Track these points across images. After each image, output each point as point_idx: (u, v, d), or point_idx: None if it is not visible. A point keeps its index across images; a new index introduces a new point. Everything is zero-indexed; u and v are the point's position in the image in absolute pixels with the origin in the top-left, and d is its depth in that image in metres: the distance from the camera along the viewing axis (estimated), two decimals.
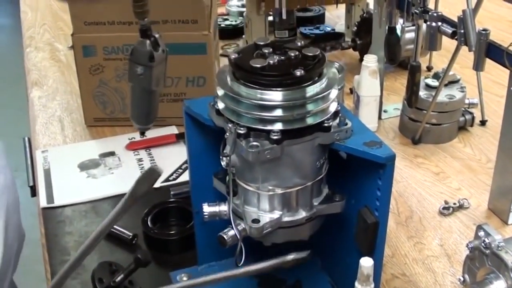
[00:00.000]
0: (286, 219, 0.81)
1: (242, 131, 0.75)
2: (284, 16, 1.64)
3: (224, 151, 0.79)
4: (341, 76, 1.44)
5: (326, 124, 0.77)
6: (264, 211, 0.81)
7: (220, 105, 0.79)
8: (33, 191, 1.29)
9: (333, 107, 0.78)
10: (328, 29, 1.88)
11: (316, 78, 0.76)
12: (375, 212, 0.80)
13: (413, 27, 1.49)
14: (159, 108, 1.38)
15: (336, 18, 1.97)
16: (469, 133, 1.38)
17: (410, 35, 1.53)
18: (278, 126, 0.75)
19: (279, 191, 0.79)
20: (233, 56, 0.77)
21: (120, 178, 1.25)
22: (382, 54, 1.35)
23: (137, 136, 1.37)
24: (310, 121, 0.76)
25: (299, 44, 0.80)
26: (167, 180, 1.23)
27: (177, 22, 1.31)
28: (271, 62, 0.75)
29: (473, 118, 1.37)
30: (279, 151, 0.75)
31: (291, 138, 0.75)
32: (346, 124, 0.78)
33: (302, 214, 0.82)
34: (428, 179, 1.23)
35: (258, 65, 0.73)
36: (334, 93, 0.78)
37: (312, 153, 0.78)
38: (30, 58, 1.81)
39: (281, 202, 0.80)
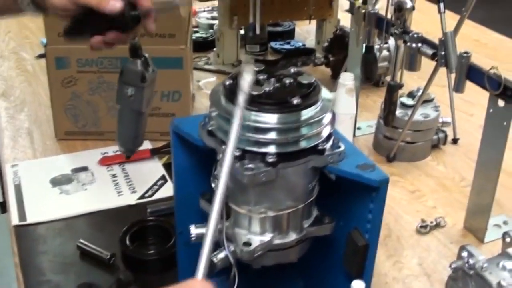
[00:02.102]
0: (276, 241, 0.81)
1: (237, 153, 0.74)
2: (257, 31, 1.65)
3: (215, 173, 0.78)
4: None
5: (320, 147, 0.76)
6: (255, 234, 0.80)
7: (214, 126, 0.78)
8: (3, 208, 1.26)
9: (326, 130, 0.78)
10: (299, 44, 1.88)
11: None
12: (365, 235, 0.80)
13: (386, 45, 1.51)
14: None
15: (305, 33, 1.98)
16: (442, 151, 1.39)
17: (383, 53, 1.55)
18: (273, 149, 0.74)
19: (271, 213, 0.79)
20: (228, 82, 0.76)
21: (94, 195, 1.22)
22: (358, 72, 1.36)
23: (110, 151, 1.35)
24: (304, 144, 0.75)
25: (292, 71, 0.79)
26: (142, 197, 1.22)
27: (154, 35, 1.29)
28: (268, 89, 0.74)
29: (445, 136, 1.39)
30: (274, 174, 0.74)
31: (286, 161, 0.75)
32: (339, 147, 0.78)
33: (293, 236, 0.81)
34: (404, 198, 1.24)
35: (256, 93, 0.72)
36: (328, 117, 0.78)
37: (305, 175, 0.78)
38: None
39: (272, 225, 0.80)
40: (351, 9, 1.32)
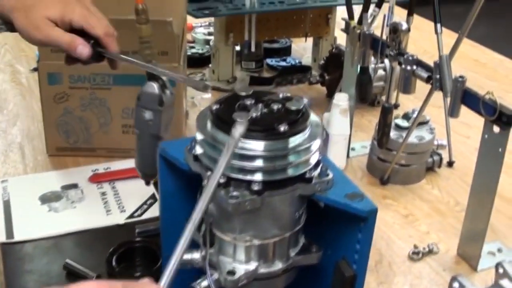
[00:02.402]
0: (262, 270, 0.79)
1: (222, 180, 0.72)
2: (253, 49, 1.64)
3: None
4: None
5: (307, 175, 0.75)
6: (240, 262, 0.78)
7: (199, 151, 0.76)
8: None
9: (315, 157, 0.77)
10: (295, 61, 1.87)
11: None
12: (353, 265, 0.78)
13: (382, 65, 1.50)
14: (124, 140, 1.36)
15: (302, 50, 1.97)
16: (437, 174, 1.38)
17: (379, 72, 1.54)
18: (259, 176, 0.72)
19: (256, 242, 0.77)
20: (214, 107, 0.74)
21: (83, 213, 1.21)
22: (352, 92, 1.34)
23: (100, 168, 1.34)
24: (292, 172, 0.74)
25: (281, 96, 0.78)
26: (131, 216, 1.20)
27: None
28: (254, 115, 0.73)
29: (441, 159, 1.38)
30: (260, 202, 0.73)
31: (272, 189, 0.73)
32: (328, 175, 0.77)
33: (279, 265, 0.80)
34: (397, 222, 1.22)
35: (242, 120, 0.71)
36: (316, 143, 0.76)
37: (292, 204, 0.76)
38: None
39: (257, 253, 0.78)
40: (346, 29, 1.31)
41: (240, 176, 0.72)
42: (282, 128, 0.72)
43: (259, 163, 0.72)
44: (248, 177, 0.72)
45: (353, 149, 1.44)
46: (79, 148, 1.38)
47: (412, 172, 1.33)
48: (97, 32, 0.97)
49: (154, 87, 0.96)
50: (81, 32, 0.97)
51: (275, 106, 0.75)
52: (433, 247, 1.14)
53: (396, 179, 1.33)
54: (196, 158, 0.77)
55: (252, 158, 0.72)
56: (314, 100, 1.67)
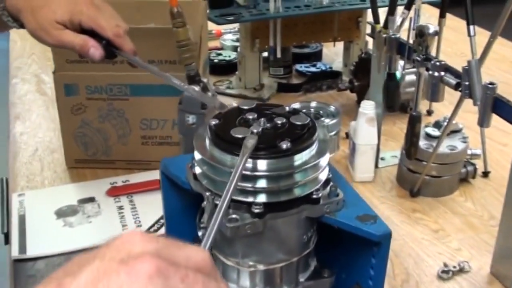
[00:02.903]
0: None
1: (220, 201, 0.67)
2: (278, 55, 1.59)
3: (202, 221, 0.71)
4: (337, 121, 1.38)
5: (315, 196, 0.69)
6: None
7: (197, 170, 0.71)
8: (6, 239, 1.21)
9: (323, 175, 0.71)
10: (325, 67, 1.81)
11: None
12: None
13: (414, 69, 1.43)
14: (143, 152, 1.32)
15: (334, 55, 1.91)
16: (471, 185, 1.30)
17: (410, 77, 1.47)
18: (262, 198, 0.67)
19: (261, 267, 0.72)
20: (213, 123, 0.69)
21: (98, 228, 1.17)
22: (380, 99, 1.27)
23: (119, 181, 1.30)
24: (297, 192, 0.68)
25: (287, 109, 0.72)
26: (148, 231, 1.15)
27: (163, 62, 1.24)
28: (255, 131, 0.67)
29: (475, 169, 1.30)
30: (261, 226, 0.67)
31: (275, 211, 0.68)
32: (338, 194, 0.71)
33: None
34: (426, 237, 1.15)
35: (240, 136, 0.65)
36: (325, 160, 0.70)
37: (299, 227, 0.71)
38: (16, 90, 1.74)
39: (263, 279, 0.73)
40: (372, 33, 1.25)
41: (240, 198, 0.67)
42: (284, 145, 0.66)
43: (260, 183, 0.67)
44: (249, 199, 0.67)
45: (382, 159, 1.38)
46: (98, 160, 1.35)
47: (444, 183, 1.26)
48: (107, 34, 0.95)
49: (195, 90, 0.94)
50: (93, 32, 0.96)
51: (279, 121, 0.70)
52: (464, 265, 1.07)
53: (426, 191, 1.26)
54: (196, 177, 0.72)
55: (253, 178, 0.66)
56: (344, 107, 1.61)
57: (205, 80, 0.95)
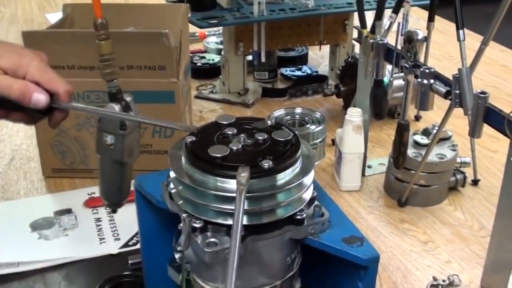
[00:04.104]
0: None
1: (198, 224, 0.63)
2: (263, 59, 1.55)
3: (178, 242, 0.67)
4: (322, 127, 1.34)
5: (299, 217, 0.65)
6: None
7: (172, 190, 0.67)
8: None
9: (307, 194, 0.67)
10: (311, 70, 1.77)
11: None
12: None
13: (402, 74, 1.39)
14: None
15: (320, 58, 1.87)
16: (460, 194, 1.26)
17: (398, 82, 1.42)
18: (242, 220, 0.63)
19: None
20: (189, 140, 0.65)
21: (74, 241, 1.12)
22: (367, 105, 1.24)
23: (97, 192, 1.25)
24: (280, 213, 0.64)
25: (269, 123, 0.68)
26: (126, 245, 1.11)
27: (143, 68, 1.19)
28: (235, 149, 0.63)
29: (464, 178, 1.26)
30: (242, 250, 0.63)
31: (257, 234, 0.63)
32: (322, 214, 0.67)
33: None
34: (415, 249, 1.11)
35: (218, 155, 0.61)
36: (309, 178, 0.66)
37: (282, 249, 0.67)
38: None
39: None
40: (359, 38, 1.21)
41: (219, 220, 0.63)
42: (266, 165, 0.62)
43: None
44: (229, 222, 0.63)
45: (369, 166, 1.34)
46: (76, 169, 1.30)
47: (433, 192, 1.22)
48: (57, 87, 0.84)
49: (115, 108, 0.85)
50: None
51: (260, 137, 0.65)
52: (454, 278, 1.03)
53: (415, 200, 1.22)
54: (172, 196, 0.67)
55: (232, 199, 0.62)
56: (330, 113, 1.57)
57: (128, 99, 0.87)
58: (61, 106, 0.84)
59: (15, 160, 1.39)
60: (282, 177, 0.64)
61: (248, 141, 0.65)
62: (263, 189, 0.62)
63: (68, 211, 1.21)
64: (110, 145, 0.86)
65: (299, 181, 0.64)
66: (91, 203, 1.22)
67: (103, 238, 1.13)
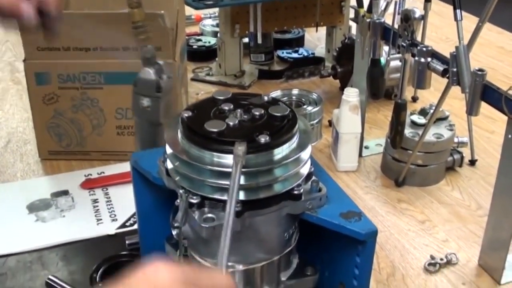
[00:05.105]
0: None
1: (194, 200, 0.63)
2: (259, 41, 1.54)
3: (175, 219, 0.67)
4: (319, 108, 1.34)
5: (296, 192, 0.65)
6: None
7: (169, 166, 0.67)
8: None
9: (305, 169, 0.66)
10: (308, 52, 1.76)
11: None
12: None
13: (399, 55, 1.39)
14: (119, 142, 1.27)
15: (316, 40, 1.86)
16: (458, 174, 1.26)
17: (395, 63, 1.42)
18: (240, 195, 0.63)
19: (240, 267, 0.67)
20: (186, 115, 0.65)
21: (72, 223, 1.12)
22: (364, 86, 1.23)
23: (94, 173, 1.25)
24: (277, 188, 0.64)
25: (265, 99, 0.67)
26: (123, 225, 1.11)
27: (139, 49, 1.18)
28: (231, 124, 0.62)
29: (462, 158, 1.26)
30: (239, 225, 0.63)
31: (254, 209, 0.63)
32: (320, 189, 0.66)
33: None
34: (413, 229, 1.11)
35: (215, 130, 0.61)
36: (306, 153, 0.66)
37: (279, 224, 0.66)
38: None
39: (243, 280, 0.69)
40: (356, 18, 1.20)
41: (216, 196, 0.62)
42: (263, 139, 0.61)
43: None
44: (226, 197, 0.62)
45: (366, 147, 1.34)
46: (72, 151, 1.30)
47: (430, 172, 1.22)
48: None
49: (150, 73, 0.91)
50: None
51: (257, 112, 0.65)
52: (452, 257, 1.04)
53: (412, 180, 1.22)
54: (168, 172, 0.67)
55: (227, 174, 0.62)
56: (327, 94, 1.57)
57: (161, 62, 0.90)
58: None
59: (12, 143, 1.38)
60: (279, 152, 0.63)
61: (245, 116, 0.65)
62: (260, 164, 0.62)
63: (65, 192, 1.20)
64: (147, 107, 0.89)
65: (296, 156, 0.64)
66: (87, 185, 1.22)
67: (100, 219, 1.13)
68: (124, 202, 1.17)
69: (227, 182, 0.61)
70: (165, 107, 0.93)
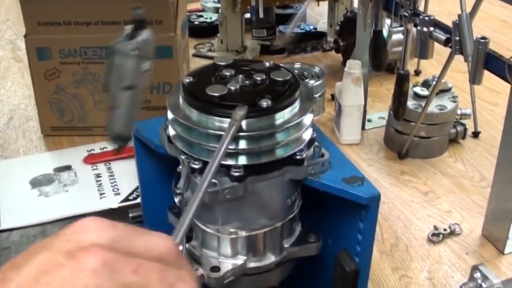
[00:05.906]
0: (251, 265, 0.69)
1: (196, 165, 0.62)
2: (261, 15, 1.53)
3: (178, 186, 0.67)
4: (322, 82, 1.33)
5: (298, 157, 0.64)
6: (226, 257, 0.68)
7: (171, 132, 0.66)
8: None
9: (307, 134, 0.66)
10: (310, 27, 1.75)
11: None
12: (355, 258, 0.68)
13: (401, 28, 1.38)
14: None
15: (318, 16, 1.85)
16: (461, 146, 1.26)
17: (397, 36, 1.41)
18: (242, 160, 0.62)
19: (242, 233, 0.67)
20: (187, 80, 0.64)
21: (75, 197, 1.12)
22: (366, 58, 1.22)
23: (96, 148, 1.25)
24: (279, 153, 0.64)
25: (267, 65, 0.67)
26: (126, 199, 1.11)
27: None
28: (233, 88, 0.62)
29: (465, 130, 1.26)
30: (242, 190, 0.63)
31: (256, 174, 0.63)
32: (323, 155, 0.66)
33: (271, 258, 0.70)
34: (416, 200, 1.11)
35: (216, 94, 0.60)
36: (308, 118, 0.66)
37: (282, 190, 0.66)
38: None
39: (245, 246, 0.68)
40: None
41: None
42: (265, 103, 0.61)
43: (240, 144, 0.62)
44: (228, 162, 0.62)
45: (369, 120, 1.33)
46: (75, 127, 1.30)
47: (433, 144, 1.22)
48: None
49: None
50: None
51: (258, 77, 0.65)
52: (455, 227, 1.04)
53: (416, 152, 1.22)
54: (170, 139, 0.67)
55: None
56: (329, 69, 1.56)
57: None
58: None
59: (14, 119, 1.38)
60: (281, 116, 0.63)
61: (246, 81, 0.65)
62: (262, 128, 0.62)
63: (68, 167, 1.20)
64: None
65: (298, 121, 0.64)
66: (90, 160, 1.22)
67: (103, 193, 1.13)
68: (126, 176, 1.17)
69: (229, 146, 0.61)
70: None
